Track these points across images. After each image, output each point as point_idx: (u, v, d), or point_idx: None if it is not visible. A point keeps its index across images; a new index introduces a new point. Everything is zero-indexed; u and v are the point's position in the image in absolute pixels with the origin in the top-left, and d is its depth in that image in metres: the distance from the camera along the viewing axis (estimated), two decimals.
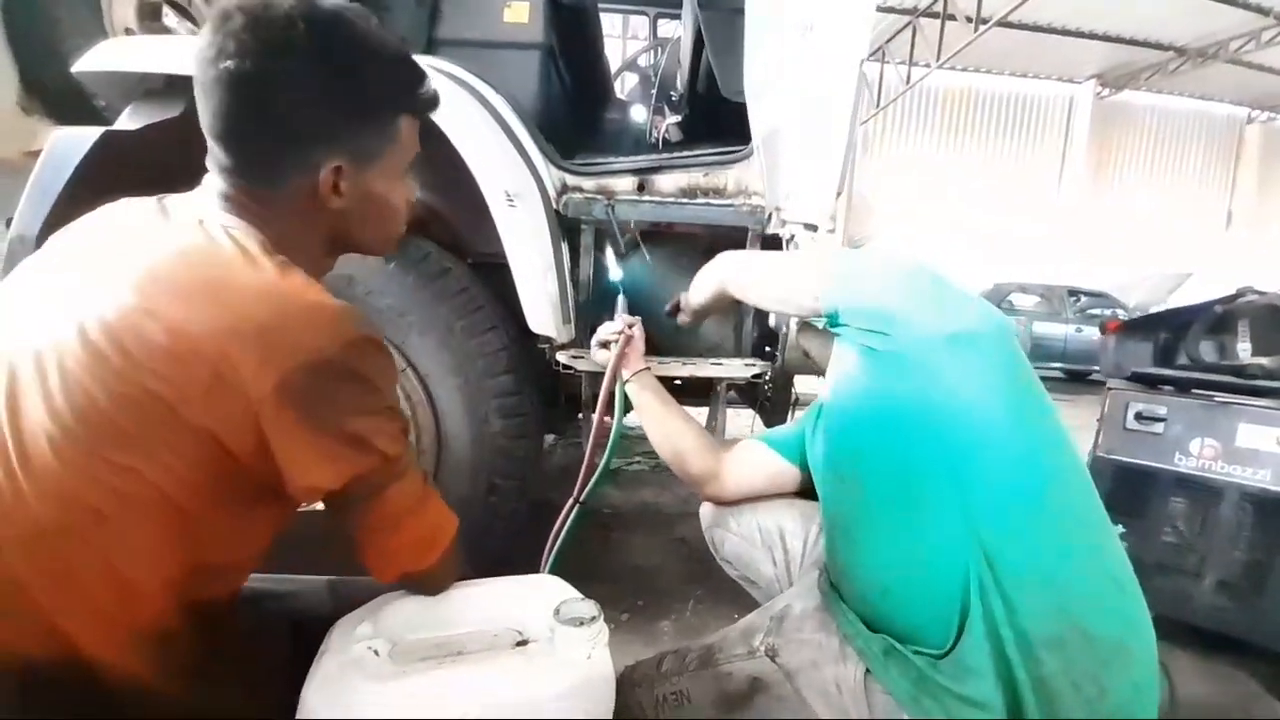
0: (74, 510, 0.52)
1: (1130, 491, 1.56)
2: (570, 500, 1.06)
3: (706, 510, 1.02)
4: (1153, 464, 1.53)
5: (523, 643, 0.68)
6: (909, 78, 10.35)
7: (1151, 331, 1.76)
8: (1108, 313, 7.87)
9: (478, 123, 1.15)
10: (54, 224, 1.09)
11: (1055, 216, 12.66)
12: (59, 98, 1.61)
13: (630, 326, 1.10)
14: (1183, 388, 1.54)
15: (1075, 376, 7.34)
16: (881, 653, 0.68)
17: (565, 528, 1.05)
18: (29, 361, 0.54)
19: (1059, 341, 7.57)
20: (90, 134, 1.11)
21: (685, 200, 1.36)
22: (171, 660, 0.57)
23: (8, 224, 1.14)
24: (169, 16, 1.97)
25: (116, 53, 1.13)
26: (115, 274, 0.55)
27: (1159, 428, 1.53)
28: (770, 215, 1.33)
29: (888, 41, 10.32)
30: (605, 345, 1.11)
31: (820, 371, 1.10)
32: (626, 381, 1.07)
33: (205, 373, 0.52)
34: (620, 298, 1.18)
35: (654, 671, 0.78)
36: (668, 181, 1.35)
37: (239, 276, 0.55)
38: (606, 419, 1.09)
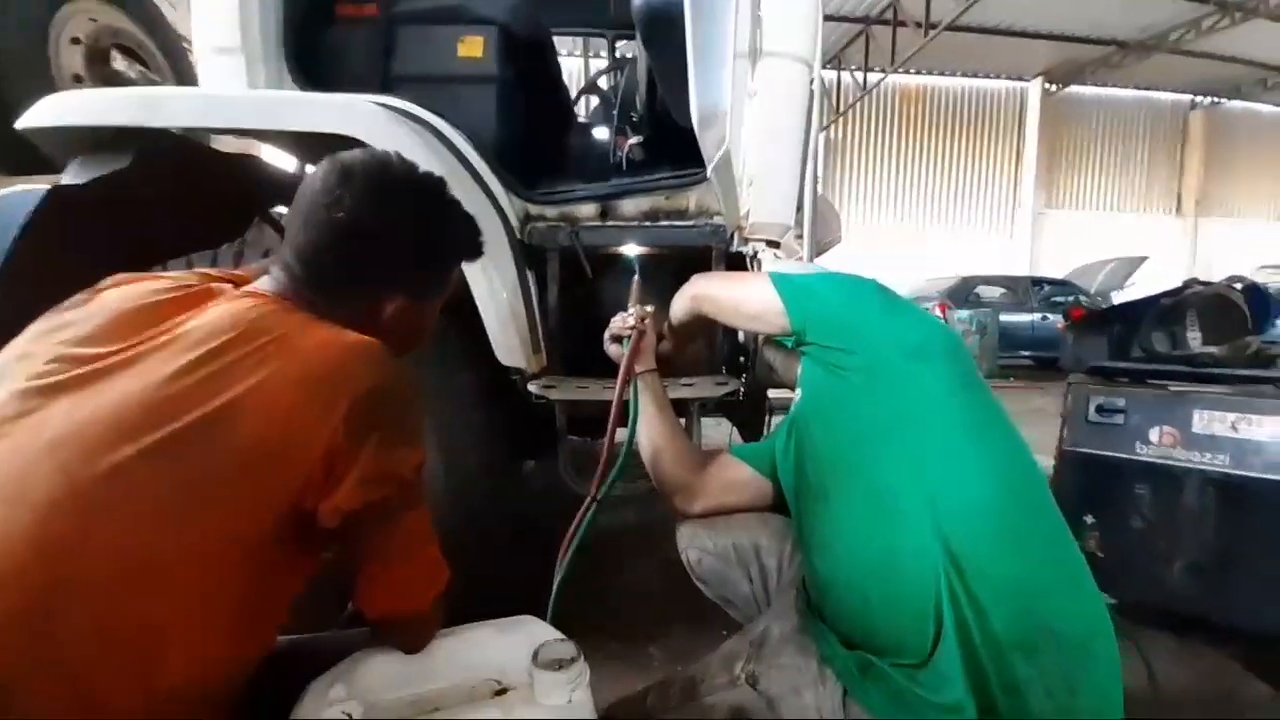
0: (127, 562, 0.51)
1: (1097, 482, 1.60)
2: (588, 499, 1.03)
3: (683, 531, 1.03)
4: (1116, 454, 1.58)
5: (501, 691, 0.67)
6: (865, 83, 10.63)
7: (1106, 326, 1.82)
8: (1070, 299, 8.12)
9: (434, 162, 1.15)
10: (5, 285, 1.06)
11: (1015, 210, 13.05)
12: (7, 153, 1.57)
13: (643, 320, 1.08)
14: (1138, 379, 1.60)
15: (1042, 364, 7.53)
16: (859, 670, 0.69)
17: (583, 526, 1.02)
18: (76, 428, 0.53)
19: (1026, 330, 7.78)
20: (35, 191, 1.08)
21: (649, 223, 1.38)
22: (205, 717, 0.56)
23: None
24: (118, 60, 1.94)
25: (62, 106, 1.11)
26: (171, 336, 0.59)
27: (1119, 419, 1.58)
28: (733, 235, 1.35)
29: (842, 49, 10.59)
30: (618, 340, 1.09)
31: (786, 385, 1.11)
32: (638, 375, 1.05)
33: (281, 420, 0.56)
34: (635, 281, 1.15)
35: (639, 707, 0.78)
36: (630, 206, 1.37)
37: (300, 334, 0.61)
38: (618, 439, 1.06)
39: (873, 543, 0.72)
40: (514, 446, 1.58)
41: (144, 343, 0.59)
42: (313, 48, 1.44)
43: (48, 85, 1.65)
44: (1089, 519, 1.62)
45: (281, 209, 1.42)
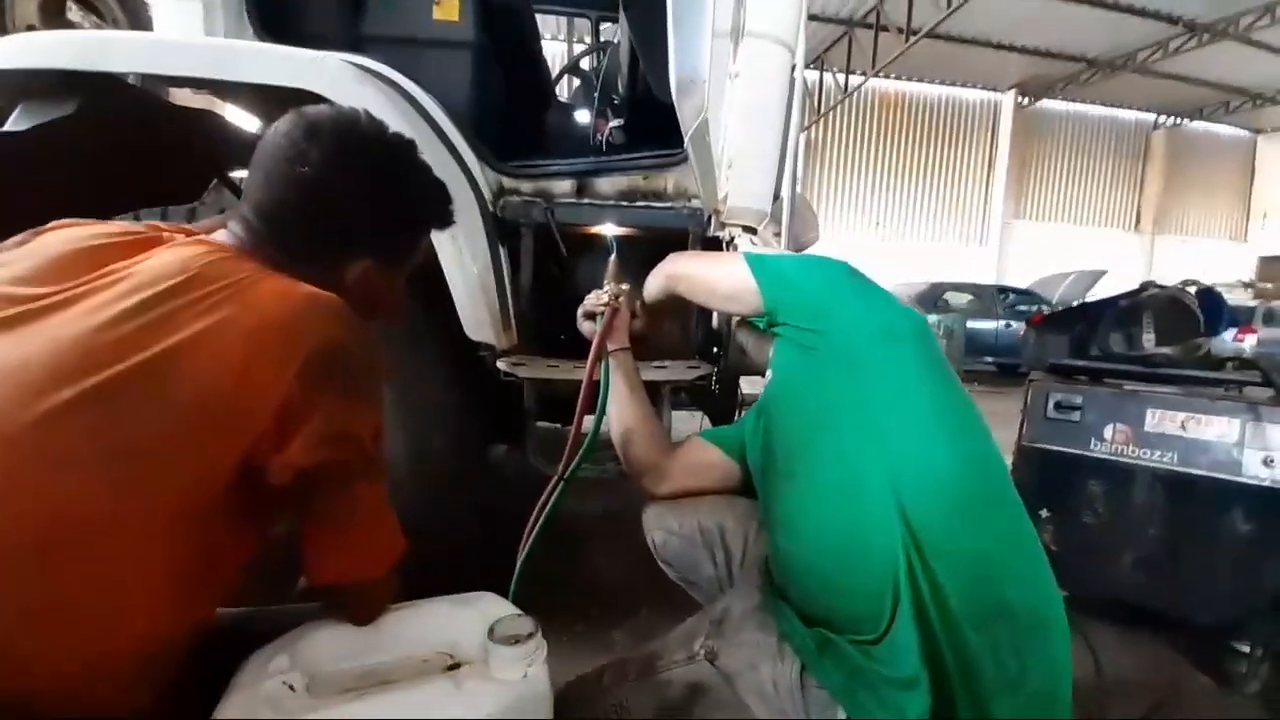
0: (60, 524, 0.48)
1: (1053, 477, 1.65)
2: (555, 477, 1.01)
3: (649, 513, 1.02)
4: (1072, 450, 1.62)
5: (454, 666, 0.65)
6: (846, 86, 10.76)
7: (1067, 326, 1.88)
8: (1033, 309, 8.40)
9: (404, 125, 1.11)
10: None
11: (986, 219, 13.40)
12: None
13: (617, 298, 1.05)
14: (1096, 377, 1.65)
15: (1005, 370, 7.78)
16: (816, 647, 0.69)
17: (550, 504, 0.99)
18: (9, 369, 0.50)
19: (990, 337, 8.03)
20: None
21: (625, 203, 1.35)
22: (133, 700, 0.53)
23: None
24: (73, 11, 1.83)
25: (7, 50, 1.03)
26: (114, 279, 0.56)
27: (1076, 416, 1.63)
28: (710, 218, 1.34)
29: (825, 51, 10.70)
30: (591, 317, 1.06)
31: (758, 370, 1.11)
32: (610, 354, 1.03)
33: (233, 371, 0.53)
34: (611, 259, 1.12)
35: (595, 686, 0.76)
36: (607, 184, 1.34)
37: (254, 283, 0.58)
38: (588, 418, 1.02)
39: (835, 520, 0.73)
40: (482, 429, 1.55)
41: (84, 285, 0.55)
42: (277, 1, 1.37)
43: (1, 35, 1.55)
44: (1044, 513, 1.66)
45: (242, 172, 1.35)
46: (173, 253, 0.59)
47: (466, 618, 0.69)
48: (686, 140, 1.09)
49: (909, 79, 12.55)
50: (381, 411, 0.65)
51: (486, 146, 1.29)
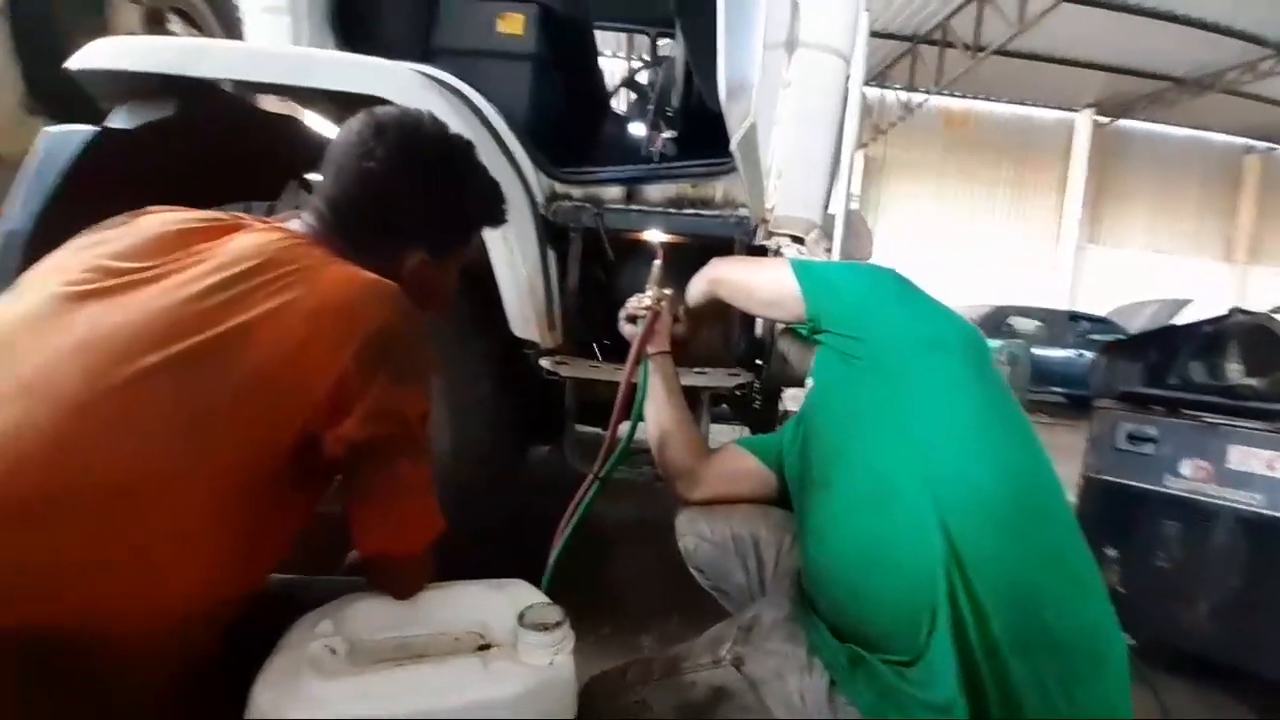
0: (139, 477, 0.52)
1: (1120, 513, 1.54)
2: (590, 476, 1.02)
3: (682, 518, 1.01)
4: (1143, 485, 1.52)
5: (485, 646, 0.66)
6: (908, 103, 10.51)
7: (1142, 351, 1.76)
8: (1109, 338, 7.87)
9: (464, 129, 1.16)
10: (46, 221, 1.11)
11: (1057, 243, 12.74)
12: (63, 99, 1.64)
13: (659, 301, 1.06)
14: (1173, 408, 1.53)
15: (1075, 402, 7.31)
16: (848, 663, 0.67)
17: (583, 504, 1.00)
18: (103, 333, 0.55)
19: (1060, 366, 7.57)
20: (81, 132, 1.12)
21: (673, 210, 1.37)
22: (192, 647, 0.57)
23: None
24: (174, 23, 2.01)
25: (110, 50, 1.15)
26: (198, 258, 0.61)
27: (1149, 448, 1.52)
28: (757, 227, 1.34)
29: (888, 67, 10.49)
30: (632, 320, 1.08)
31: (799, 379, 1.09)
32: (650, 357, 1.04)
33: (296, 348, 0.57)
34: (655, 264, 1.13)
35: (619, 681, 0.76)
36: (656, 192, 1.36)
37: (320, 268, 0.63)
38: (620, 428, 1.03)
39: (869, 532, 0.70)
40: (524, 426, 1.58)
41: (173, 262, 0.61)
42: (358, 14, 1.47)
43: None
44: (1111, 552, 1.56)
45: (318, 175, 1.45)
46: (251, 237, 0.65)
47: (498, 601, 0.71)
48: (733, 145, 1.10)
49: (976, 96, 12.13)
50: (428, 396, 0.68)
51: (541, 153, 1.33)
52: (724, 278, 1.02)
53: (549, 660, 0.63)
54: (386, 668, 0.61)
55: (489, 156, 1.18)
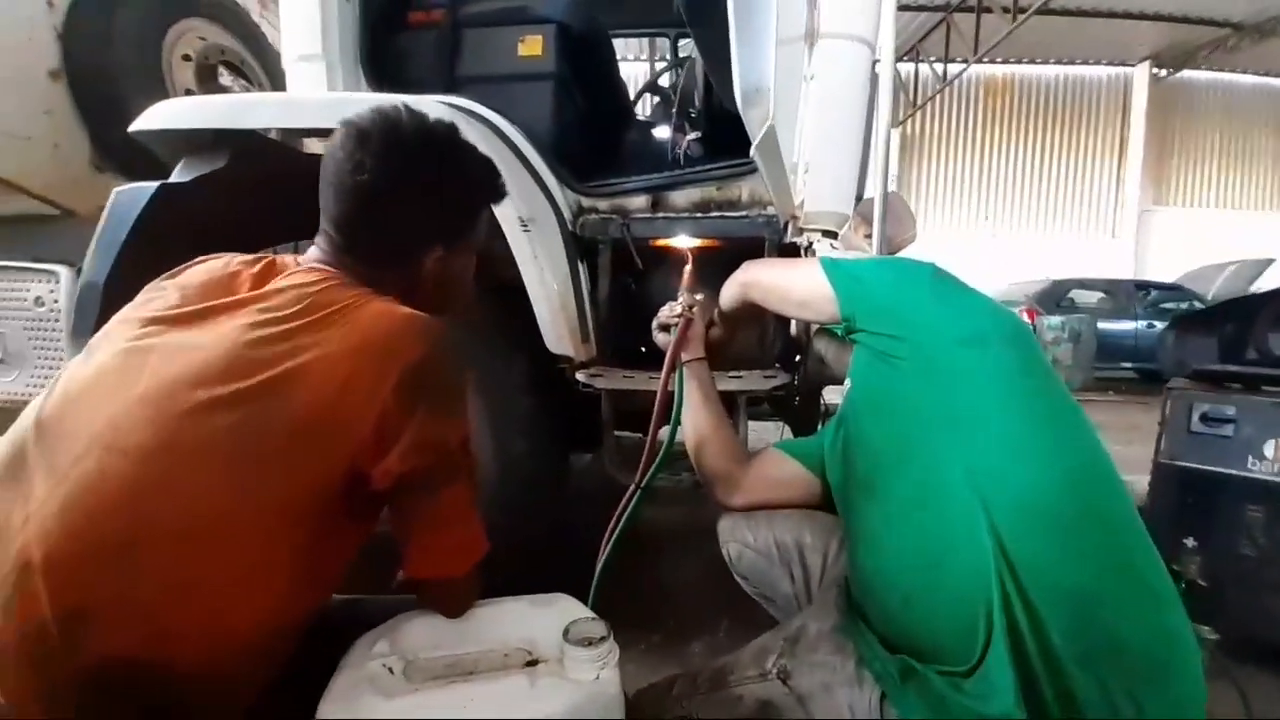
0: (201, 517, 0.56)
1: (1199, 501, 1.44)
2: (632, 486, 1.04)
3: (724, 524, 1.01)
4: (1223, 470, 1.41)
5: (533, 662, 0.68)
6: (945, 75, 10.07)
7: (1215, 325, 1.63)
8: (1183, 306, 7.32)
9: (490, 153, 1.19)
10: (120, 272, 1.20)
11: (1118, 208, 11.96)
12: (129, 156, 1.77)
13: (691, 308, 1.07)
14: (1252, 385, 1.42)
15: (1147, 376, 6.83)
16: (899, 675, 0.65)
17: (627, 513, 1.02)
18: (164, 384, 0.59)
19: (1129, 338, 7.10)
20: (147, 188, 1.21)
21: (700, 214, 1.37)
22: (257, 673, 0.61)
23: (79, 273, 1.26)
24: (224, 76, 2.15)
25: (167, 112, 1.24)
26: (238, 308, 0.65)
27: (1228, 429, 1.41)
28: (786, 225, 1.32)
29: (920, 40, 10.08)
30: (665, 329, 1.09)
31: (837, 379, 1.07)
32: (685, 364, 1.05)
33: (339, 387, 0.60)
34: (686, 270, 1.14)
35: (664, 694, 0.77)
36: (681, 197, 1.36)
37: (358, 306, 0.65)
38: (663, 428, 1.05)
39: (920, 535, 0.69)
40: (564, 439, 1.61)
41: (221, 310, 0.65)
42: (386, 54, 1.54)
43: (163, 98, 1.85)
44: (1190, 542, 1.46)
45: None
46: (290, 280, 0.68)
47: (545, 617, 0.73)
48: (753, 150, 1.09)
49: (1018, 61, 11.51)
50: (467, 422, 0.70)
51: (567, 169, 1.35)
52: (756, 281, 1.01)
53: (595, 675, 0.65)
54: (440, 685, 0.64)
55: (516, 181, 1.22)
